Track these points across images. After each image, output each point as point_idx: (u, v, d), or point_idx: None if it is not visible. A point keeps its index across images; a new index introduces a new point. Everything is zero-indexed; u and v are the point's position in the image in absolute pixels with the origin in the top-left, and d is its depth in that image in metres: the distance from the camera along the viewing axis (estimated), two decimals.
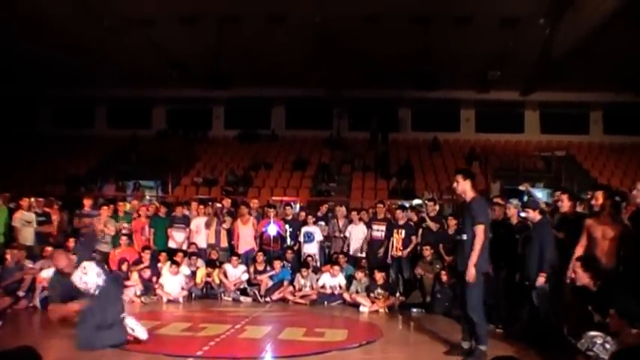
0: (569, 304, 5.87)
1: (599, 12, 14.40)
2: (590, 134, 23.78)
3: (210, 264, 11.44)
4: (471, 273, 6.13)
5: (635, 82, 19.02)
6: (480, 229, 6.20)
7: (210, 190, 18.27)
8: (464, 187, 6.50)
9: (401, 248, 11.09)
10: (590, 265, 5.46)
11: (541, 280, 6.97)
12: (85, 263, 6.53)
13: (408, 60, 17.75)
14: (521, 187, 10.29)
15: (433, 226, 11.06)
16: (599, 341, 4.60)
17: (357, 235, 11.71)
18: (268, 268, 11.40)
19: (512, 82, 20.47)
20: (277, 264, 11.32)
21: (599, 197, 6.52)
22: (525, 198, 10.91)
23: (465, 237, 6.33)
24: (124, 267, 10.49)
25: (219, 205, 12.64)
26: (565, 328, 5.47)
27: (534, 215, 7.41)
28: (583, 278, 5.41)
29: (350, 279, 10.86)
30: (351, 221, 11.95)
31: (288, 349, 6.81)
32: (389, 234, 11.30)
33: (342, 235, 11.95)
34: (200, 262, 11.50)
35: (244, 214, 12.03)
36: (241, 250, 11.75)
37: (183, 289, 10.83)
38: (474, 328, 6.29)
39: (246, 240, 11.89)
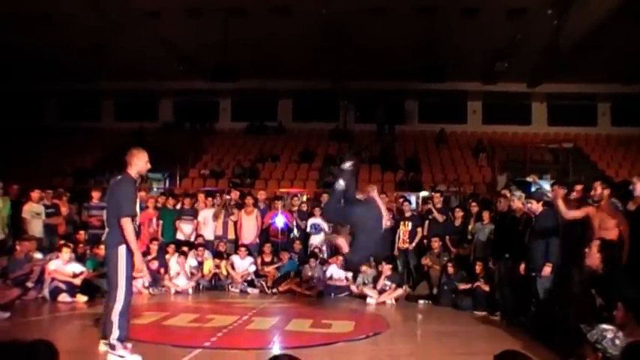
0: (577, 294, 5.86)
1: (607, 2, 14.31)
2: (598, 126, 23.62)
3: (218, 256, 11.51)
4: None
5: None
6: None
7: (218, 182, 18.28)
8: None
9: (407, 240, 11.13)
10: (606, 249, 5.45)
11: (547, 270, 6.99)
12: None
13: (414, 52, 17.68)
14: (529, 179, 10.30)
15: (439, 217, 11.10)
16: (609, 335, 4.58)
17: None
18: (275, 260, 11.45)
19: (520, 74, 20.34)
20: (284, 255, 11.36)
21: (597, 187, 6.55)
22: (533, 189, 10.91)
23: None
24: None
25: (227, 196, 12.66)
26: (572, 318, 5.47)
27: (537, 207, 7.41)
28: (595, 259, 5.41)
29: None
30: None
31: (295, 340, 6.85)
32: (395, 226, 11.33)
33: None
34: (207, 254, 11.56)
35: (249, 204, 12.07)
36: (243, 241, 11.79)
37: (190, 280, 10.90)
38: None
39: (248, 231, 11.93)
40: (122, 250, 5.58)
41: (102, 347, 5.69)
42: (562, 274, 6.74)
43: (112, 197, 5.86)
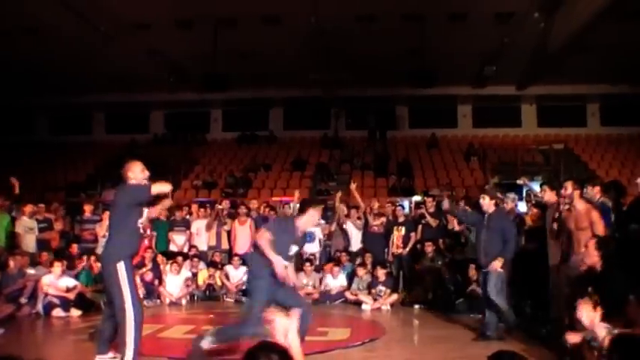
0: (570, 292, 5.87)
1: (593, 4, 14.42)
2: (588, 126, 23.77)
3: (212, 266, 11.49)
4: None
5: (631, 73, 19.03)
6: None
7: (210, 192, 18.28)
8: None
9: (401, 245, 11.15)
10: (604, 246, 5.45)
11: (497, 264, 6.90)
12: None
13: (403, 58, 17.76)
14: (519, 181, 10.35)
15: (432, 222, 11.14)
16: (603, 333, 4.63)
17: (355, 230, 11.76)
18: None
19: (508, 77, 20.46)
20: None
21: (568, 187, 6.55)
22: (524, 191, 10.96)
23: None
24: None
25: (220, 206, 12.65)
26: (567, 319, 5.49)
27: (489, 205, 7.23)
28: (592, 257, 5.40)
29: (351, 276, 10.90)
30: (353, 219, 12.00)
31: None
32: (388, 232, 11.36)
33: (343, 227, 11.99)
34: (201, 265, 11.54)
35: (242, 214, 12.06)
36: (238, 251, 11.76)
37: (185, 289, 10.88)
38: None
39: (242, 241, 11.88)
40: (121, 266, 5.32)
41: None
42: (555, 273, 6.76)
43: (115, 202, 5.57)
